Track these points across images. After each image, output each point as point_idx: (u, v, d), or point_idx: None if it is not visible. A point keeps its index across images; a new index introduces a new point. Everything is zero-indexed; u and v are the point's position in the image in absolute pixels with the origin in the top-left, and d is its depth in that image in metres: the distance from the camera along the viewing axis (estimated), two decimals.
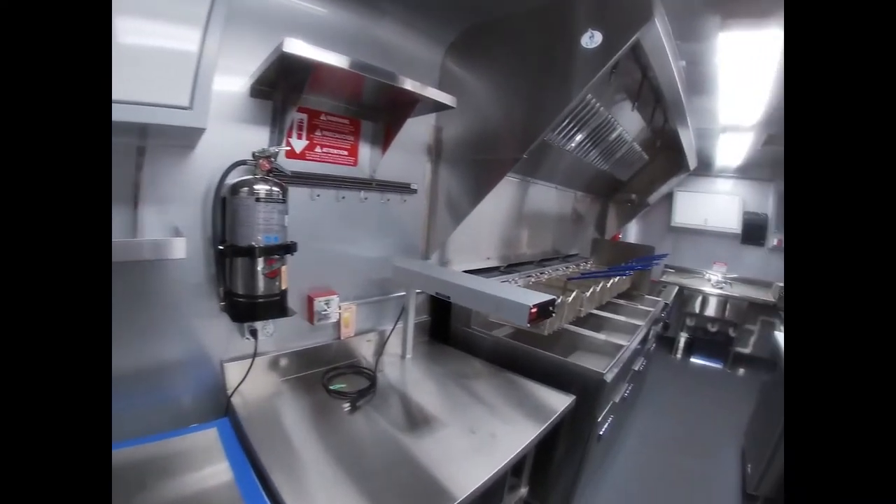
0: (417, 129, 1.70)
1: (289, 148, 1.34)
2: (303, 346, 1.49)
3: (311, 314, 1.47)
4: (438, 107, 1.38)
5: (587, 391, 1.50)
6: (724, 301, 4.17)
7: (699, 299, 4.28)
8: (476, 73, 1.68)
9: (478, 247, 2.35)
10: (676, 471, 2.56)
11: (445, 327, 1.93)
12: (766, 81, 2.06)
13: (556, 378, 1.55)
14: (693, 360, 4.38)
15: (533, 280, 2.54)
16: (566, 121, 2.17)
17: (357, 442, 1.16)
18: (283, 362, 1.44)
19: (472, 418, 1.30)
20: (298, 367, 1.48)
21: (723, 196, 4.73)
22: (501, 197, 2.47)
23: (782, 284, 4.07)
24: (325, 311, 1.48)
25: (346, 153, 1.50)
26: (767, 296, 4.12)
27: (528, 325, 1.11)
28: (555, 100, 1.42)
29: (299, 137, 1.37)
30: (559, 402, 1.43)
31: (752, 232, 4.59)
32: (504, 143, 1.59)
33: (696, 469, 2.59)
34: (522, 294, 1.25)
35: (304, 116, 1.36)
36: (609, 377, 1.49)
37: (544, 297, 1.21)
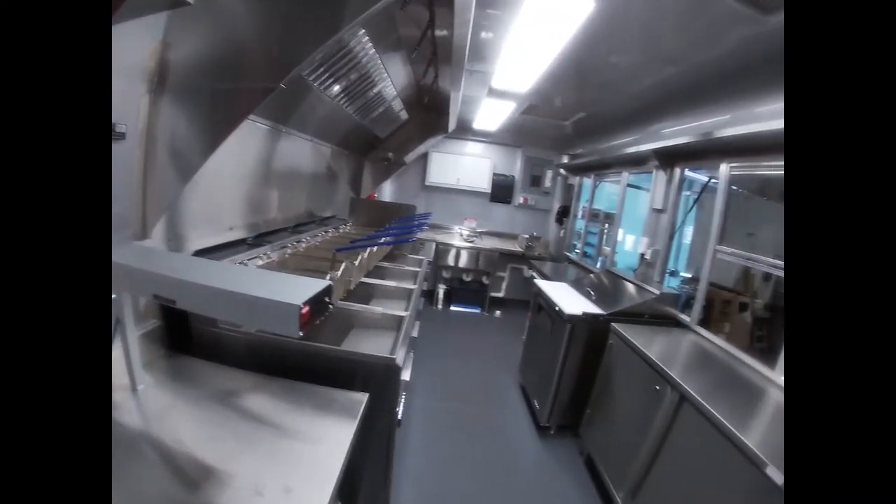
0: (129, 45, 1.05)
1: None
2: None
3: None
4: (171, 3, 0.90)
5: (379, 381, 1.27)
6: (476, 253, 4.73)
7: (453, 252, 4.72)
8: None
9: (218, 215, 1.76)
10: (471, 419, 2.69)
11: (185, 330, 1.33)
12: (549, 52, 2.06)
13: (340, 374, 1.25)
14: (453, 308, 4.88)
15: (290, 252, 2.11)
16: (334, 58, 1.81)
17: None
18: None
19: (266, 451, 0.95)
20: None
21: (475, 158, 5.28)
22: (248, 148, 1.93)
23: (527, 236, 4.89)
24: None
25: None
26: (514, 246, 4.90)
27: (301, 332, 0.75)
28: (331, 17, 1.06)
29: None
30: (353, 404, 1.14)
31: (501, 191, 5.36)
32: (256, 67, 1.15)
33: (487, 413, 2.78)
34: (282, 284, 0.87)
35: None
36: (400, 359, 1.30)
37: (314, 284, 0.86)
